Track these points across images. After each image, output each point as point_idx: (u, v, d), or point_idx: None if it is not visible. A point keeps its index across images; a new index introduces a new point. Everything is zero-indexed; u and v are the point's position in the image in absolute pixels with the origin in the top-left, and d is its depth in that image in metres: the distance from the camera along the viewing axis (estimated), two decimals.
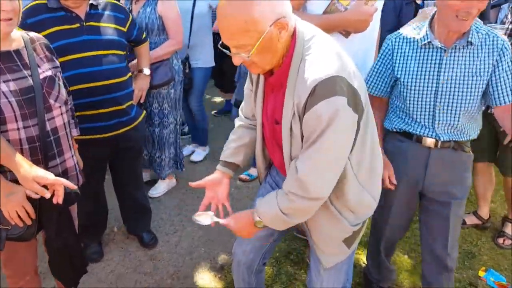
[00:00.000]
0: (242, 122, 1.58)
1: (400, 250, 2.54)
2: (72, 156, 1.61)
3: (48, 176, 1.34)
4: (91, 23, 1.93)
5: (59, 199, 1.38)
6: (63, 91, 1.53)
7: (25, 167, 1.32)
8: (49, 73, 1.48)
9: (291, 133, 1.22)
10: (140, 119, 2.23)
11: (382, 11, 2.71)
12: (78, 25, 1.90)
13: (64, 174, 1.56)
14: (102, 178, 2.33)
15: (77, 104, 1.88)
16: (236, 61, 1.17)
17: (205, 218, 1.47)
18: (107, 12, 2.01)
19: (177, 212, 2.94)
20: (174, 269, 2.39)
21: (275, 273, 2.35)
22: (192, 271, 2.38)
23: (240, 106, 1.62)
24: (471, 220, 2.75)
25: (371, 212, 1.42)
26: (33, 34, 1.52)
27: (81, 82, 1.91)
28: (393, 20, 2.69)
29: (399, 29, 2.59)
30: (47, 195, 1.35)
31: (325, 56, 1.13)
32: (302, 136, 1.20)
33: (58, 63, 1.57)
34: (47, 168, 1.46)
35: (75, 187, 1.42)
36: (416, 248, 2.56)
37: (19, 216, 1.38)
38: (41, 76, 1.44)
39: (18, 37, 1.45)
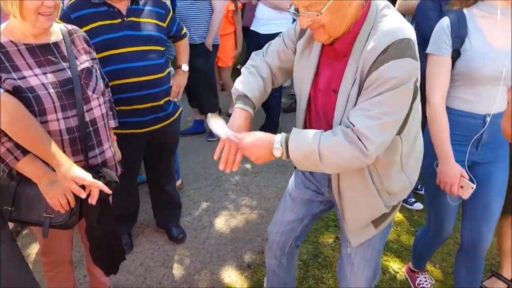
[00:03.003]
0: (266, 72, 1.45)
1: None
2: (110, 147, 1.64)
3: (86, 177, 1.36)
4: (132, 18, 1.95)
5: (93, 200, 1.40)
6: (101, 82, 1.55)
7: (66, 166, 1.34)
8: (86, 64, 1.50)
9: (347, 101, 1.19)
10: (176, 115, 2.25)
11: (421, 10, 2.66)
12: (119, 20, 1.92)
13: (104, 164, 1.59)
14: (136, 172, 2.36)
15: (116, 99, 1.91)
16: (303, 23, 1.16)
17: (219, 125, 1.28)
18: (147, 7, 2.02)
19: (205, 208, 2.96)
20: (201, 265, 2.41)
21: (302, 276, 2.33)
22: (219, 269, 2.39)
23: (256, 59, 1.48)
24: (494, 284, 2.16)
25: (404, 196, 1.45)
26: (71, 26, 1.55)
27: (120, 77, 1.93)
28: (436, 17, 2.60)
29: None
30: (83, 195, 1.37)
31: (400, 21, 1.14)
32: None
33: (95, 55, 1.59)
34: (86, 158, 1.50)
35: (110, 192, 1.44)
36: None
37: (61, 204, 1.41)
38: (79, 68, 1.46)
39: (56, 30, 1.47)
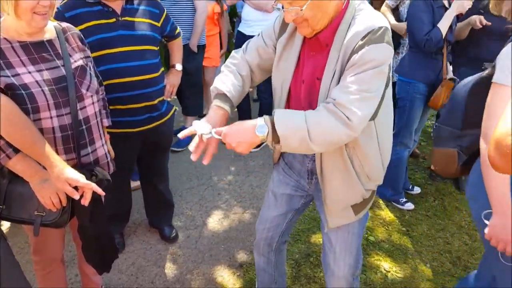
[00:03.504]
0: (245, 70, 1.48)
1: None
2: (103, 145, 1.63)
3: (80, 179, 1.35)
4: (126, 18, 1.95)
5: (86, 201, 1.39)
6: (94, 80, 1.55)
7: (59, 167, 1.33)
8: (80, 62, 1.50)
9: (330, 87, 1.26)
10: (170, 114, 2.25)
11: (413, 13, 2.67)
12: (114, 20, 1.91)
13: (96, 162, 1.58)
14: (130, 171, 2.36)
15: (111, 98, 1.91)
16: (287, 17, 1.23)
17: (203, 127, 1.28)
18: (142, 7, 2.02)
19: (198, 208, 2.96)
20: (193, 265, 2.41)
21: (294, 275, 2.34)
22: (211, 268, 2.39)
23: (237, 57, 1.50)
24: None
25: (380, 181, 1.49)
26: (65, 24, 1.54)
27: (115, 76, 1.93)
28: (429, 21, 2.60)
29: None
30: (76, 196, 1.37)
31: (375, 13, 1.25)
32: None
33: (89, 53, 1.59)
34: (79, 156, 1.49)
35: (103, 193, 1.43)
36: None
37: (53, 203, 1.40)
38: (73, 66, 1.46)
39: (50, 28, 1.47)
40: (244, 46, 1.52)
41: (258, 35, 1.50)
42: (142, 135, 2.14)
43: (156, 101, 2.10)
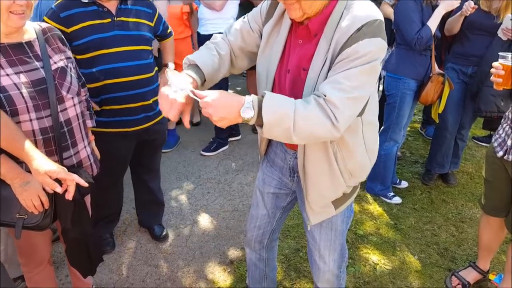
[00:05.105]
0: (225, 50, 1.41)
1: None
2: (85, 147, 1.62)
3: (61, 171, 1.31)
4: (121, 18, 1.95)
5: (69, 195, 1.34)
6: (75, 82, 1.53)
7: (38, 160, 1.29)
8: (60, 64, 1.48)
9: (318, 78, 1.21)
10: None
11: (403, 11, 2.69)
12: (109, 20, 1.92)
13: (79, 165, 1.57)
14: (123, 170, 2.34)
15: (107, 98, 1.91)
16: None
17: (180, 81, 1.17)
18: (136, 7, 2.03)
19: (187, 207, 2.96)
20: (184, 263, 2.42)
21: (284, 270, 2.36)
22: (202, 265, 2.40)
23: (218, 37, 1.45)
24: (469, 274, 2.27)
25: (365, 176, 1.48)
26: (45, 25, 1.52)
27: (111, 77, 1.94)
28: (419, 21, 2.63)
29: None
30: (58, 189, 1.31)
31: (370, 4, 1.20)
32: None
33: (70, 54, 1.57)
34: (61, 159, 1.48)
35: (87, 184, 1.38)
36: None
37: (35, 205, 1.38)
38: (53, 67, 1.44)
39: (30, 29, 1.45)
40: (226, 28, 1.46)
41: (244, 17, 1.44)
42: (137, 134, 2.15)
43: (151, 101, 2.12)
